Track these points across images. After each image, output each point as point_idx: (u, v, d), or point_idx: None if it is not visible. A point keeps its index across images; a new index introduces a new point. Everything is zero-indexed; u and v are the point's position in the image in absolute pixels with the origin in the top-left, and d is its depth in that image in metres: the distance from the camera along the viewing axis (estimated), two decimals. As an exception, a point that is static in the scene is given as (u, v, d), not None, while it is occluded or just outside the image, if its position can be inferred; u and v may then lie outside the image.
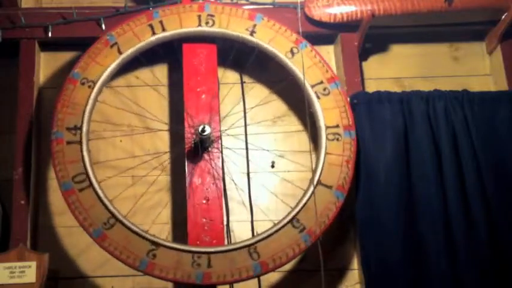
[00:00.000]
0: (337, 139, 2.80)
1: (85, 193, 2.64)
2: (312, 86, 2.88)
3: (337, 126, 2.83)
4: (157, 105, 3.11)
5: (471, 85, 3.17)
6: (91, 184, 2.65)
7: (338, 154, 2.79)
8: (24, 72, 3.03)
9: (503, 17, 3.13)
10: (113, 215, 2.63)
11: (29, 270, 2.65)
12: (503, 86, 3.16)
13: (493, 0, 3.09)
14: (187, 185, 2.76)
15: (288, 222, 2.67)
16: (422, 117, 2.90)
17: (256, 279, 2.82)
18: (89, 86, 2.79)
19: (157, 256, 2.59)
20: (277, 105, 3.17)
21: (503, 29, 3.16)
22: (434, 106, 2.92)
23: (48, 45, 3.16)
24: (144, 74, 3.17)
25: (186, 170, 2.78)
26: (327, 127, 2.82)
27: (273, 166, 3.07)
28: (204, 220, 2.70)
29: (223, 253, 2.62)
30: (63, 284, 2.89)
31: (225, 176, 2.91)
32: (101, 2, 3.24)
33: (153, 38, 2.89)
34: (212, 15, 2.94)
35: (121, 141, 3.07)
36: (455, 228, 2.75)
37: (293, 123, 3.15)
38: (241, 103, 3.13)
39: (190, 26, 2.92)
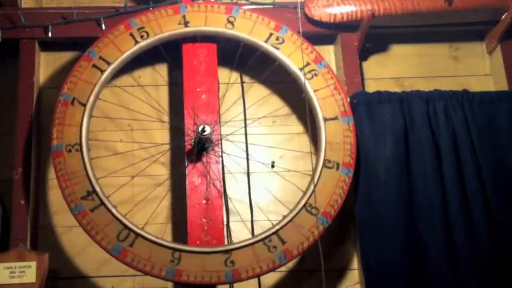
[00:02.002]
0: (315, 74, 2.88)
1: (136, 246, 2.59)
2: (265, 41, 2.92)
3: (308, 64, 2.90)
4: (158, 105, 3.11)
5: (471, 85, 3.18)
6: (137, 235, 2.61)
7: (324, 87, 2.87)
8: (24, 72, 3.03)
9: (503, 17, 3.13)
10: (175, 249, 2.60)
11: (29, 270, 2.65)
12: (503, 86, 3.16)
13: (493, 0, 3.10)
14: (187, 185, 2.76)
15: (322, 167, 2.74)
16: (422, 117, 2.90)
17: (256, 279, 2.82)
18: (77, 150, 2.71)
19: (235, 262, 2.59)
20: (278, 105, 3.17)
21: (503, 29, 3.16)
22: (434, 106, 2.92)
23: (48, 45, 3.16)
24: (144, 74, 3.17)
25: (186, 170, 2.78)
26: (301, 69, 2.88)
27: (273, 166, 3.07)
28: (204, 220, 2.70)
29: (290, 223, 2.66)
30: (63, 284, 2.88)
31: (225, 176, 2.92)
32: (101, 2, 3.24)
33: (105, 75, 2.82)
34: (142, 28, 2.91)
35: (121, 140, 3.07)
36: (455, 228, 2.75)
37: (293, 123, 3.15)
38: (241, 103, 3.13)
39: (128, 49, 2.88)
